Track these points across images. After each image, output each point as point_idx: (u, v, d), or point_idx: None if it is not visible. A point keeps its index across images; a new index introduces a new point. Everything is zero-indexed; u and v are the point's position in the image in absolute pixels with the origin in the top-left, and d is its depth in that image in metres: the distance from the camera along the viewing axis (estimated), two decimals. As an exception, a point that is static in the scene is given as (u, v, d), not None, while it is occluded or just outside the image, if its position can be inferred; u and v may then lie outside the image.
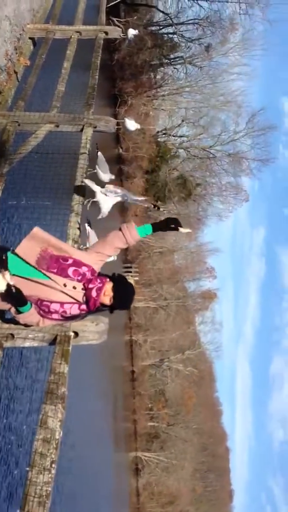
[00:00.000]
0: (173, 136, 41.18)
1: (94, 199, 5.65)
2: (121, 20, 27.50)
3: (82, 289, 3.24)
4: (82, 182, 5.76)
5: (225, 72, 37.53)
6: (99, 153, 6.24)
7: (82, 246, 5.19)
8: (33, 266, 3.24)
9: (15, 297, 3.08)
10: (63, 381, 3.57)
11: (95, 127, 7.03)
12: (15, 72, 7.91)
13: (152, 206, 6.13)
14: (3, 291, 3.04)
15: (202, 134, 40.09)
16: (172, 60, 35.81)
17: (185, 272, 50.97)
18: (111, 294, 3.22)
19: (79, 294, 3.24)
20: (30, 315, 3.26)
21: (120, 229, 3.34)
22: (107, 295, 3.22)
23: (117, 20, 26.42)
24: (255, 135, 39.23)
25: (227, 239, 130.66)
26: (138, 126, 8.37)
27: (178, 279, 49.84)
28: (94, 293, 3.20)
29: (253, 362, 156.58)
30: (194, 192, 41.16)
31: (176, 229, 3.45)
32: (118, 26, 18.37)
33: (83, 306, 3.28)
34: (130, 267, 41.86)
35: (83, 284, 3.24)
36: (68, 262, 3.24)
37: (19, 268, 3.24)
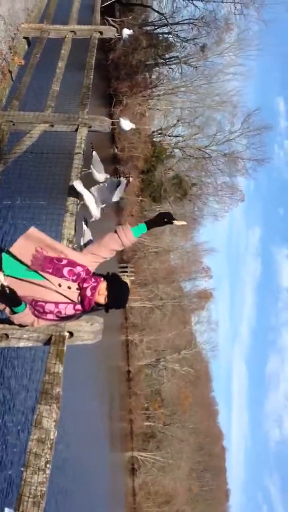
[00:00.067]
0: (169, 136, 41.22)
1: (83, 202, 5.66)
2: (116, 19, 27.47)
3: (77, 289, 3.24)
4: (70, 184, 5.77)
5: (221, 72, 37.64)
6: (94, 153, 6.22)
7: (76, 245, 5.18)
8: (28, 266, 3.23)
9: (9, 297, 3.08)
10: (57, 381, 3.56)
11: (90, 127, 7.02)
12: (10, 72, 7.90)
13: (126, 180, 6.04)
14: (-3, 292, 3.03)
15: (197, 134, 40.16)
16: (167, 60, 35.83)
17: (181, 272, 51.03)
18: (106, 293, 3.22)
19: (74, 294, 3.24)
20: (24, 315, 3.26)
21: (115, 232, 3.33)
22: (101, 294, 3.22)
23: (112, 20, 26.37)
24: (251, 135, 39.36)
25: (223, 239, 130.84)
26: (133, 126, 8.34)
27: (174, 279, 49.88)
28: (88, 292, 3.20)
29: (249, 362, 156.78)
30: (190, 192, 41.22)
31: (170, 222, 3.45)
32: (113, 26, 18.34)
33: (78, 306, 3.28)
34: (126, 267, 41.85)
35: (78, 284, 3.24)
36: (62, 263, 3.24)
37: (13, 269, 3.24)
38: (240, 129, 39.58)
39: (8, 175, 6.57)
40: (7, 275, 3.14)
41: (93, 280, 3.24)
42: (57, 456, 11.38)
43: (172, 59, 35.49)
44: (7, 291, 3.03)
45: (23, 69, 8.19)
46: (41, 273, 3.21)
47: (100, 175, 6.11)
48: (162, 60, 35.62)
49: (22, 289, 3.18)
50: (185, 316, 53.71)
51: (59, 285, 3.20)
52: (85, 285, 3.22)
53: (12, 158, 6.37)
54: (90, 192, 5.71)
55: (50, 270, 3.21)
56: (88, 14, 12.03)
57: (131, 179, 5.91)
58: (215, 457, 63.55)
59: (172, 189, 39.78)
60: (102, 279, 3.26)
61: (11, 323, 3.52)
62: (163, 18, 32.68)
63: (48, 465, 2.97)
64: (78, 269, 3.26)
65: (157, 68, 36.56)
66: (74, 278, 3.23)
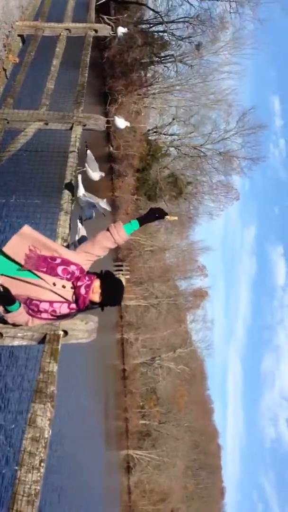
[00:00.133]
0: (164, 134, 41.24)
1: (77, 197, 5.66)
2: (111, 17, 27.45)
3: (71, 287, 3.23)
4: (71, 179, 5.75)
5: (216, 70, 37.69)
6: (88, 151, 6.22)
7: (71, 243, 5.18)
8: (22, 265, 3.22)
9: (2, 296, 3.07)
10: (52, 380, 3.55)
11: (85, 125, 7.00)
12: (4, 70, 7.87)
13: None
14: (-10, 290, 3.02)
15: (192, 133, 40.20)
16: (162, 58, 35.82)
17: (177, 270, 51.06)
18: (100, 291, 3.22)
19: (69, 293, 3.23)
20: (18, 314, 3.25)
21: (108, 229, 3.34)
22: (95, 293, 3.22)
23: (107, 18, 26.36)
24: (246, 133, 39.46)
25: (218, 237, 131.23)
26: (127, 124, 8.34)
27: (170, 277, 49.91)
28: (83, 291, 3.20)
29: (244, 360, 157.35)
30: (185, 191, 41.26)
31: (161, 218, 3.46)
32: (108, 24, 18.34)
33: (73, 305, 3.28)
34: (121, 266, 41.84)
35: (72, 283, 3.23)
36: (56, 262, 3.24)
37: (6, 268, 3.23)
38: (235, 127, 39.69)
39: (3, 174, 6.56)
40: (1, 274, 3.14)
41: (87, 278, 3.24)
42: (52, 454, 11.39)
43: (168, 57, 35.48)
44: (1, 289, 3.02)
45: (17, 67, 8.16)
46: (35, 272, 3.20)
47: (95, 174, 6.12)
48: (157, 58, 35.60)
49: (16, 288, 3.17)
50: (181, 315, 53.77)
51: (54, 284, 3.20)
52: (79, 283, 3.22)
53: (6, 157, 6.34)
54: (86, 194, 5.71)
55: (44, 269, 3.21)
56: (83, 12, 11.98)
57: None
58: (210, 455, 63.72)
59: (167, 187, 39.81)
60: (95, 277, 3.26)
61: (5, 322, 3.51)
62: (158, 16, 32.66)
63: (42, 464, 2.96)
64: (72, 267, 3.26)
65: (153, 67, 36.56)
66: (68, 276, 3.23)
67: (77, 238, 4.99)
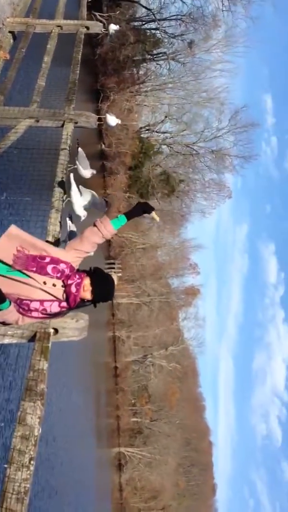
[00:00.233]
0: (156, 132, 41.21)
1: (70, 198, 5.66)
2: (103, 14, 27.38)
3: (62, 286, 3.23)
4: (62, 177, 5.74)
5: (208, 68, 37.68)
6: (80, 149, 6.21)
7: (63, 241, 5.17)
8: (11, 266, 3.21)
9: (-8, 294, 3.05)
10: (42, 378, 3.55)
11: (76, 123, 6.99)
12: (-5, 66, 7.83)
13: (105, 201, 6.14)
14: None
15: (185, 131, 40.18)
16: (155, 56, 35.79)
17: (169, 268, 51.09)
18: (91, 288, 3.22)
19: (59, 292, 3.23)
20: (9, 312, 3.23)
21: (95, 225, 3.34)
22: (86, 290, 3.22)
23: (99, 15, 26.29)
24: (238, 132, 39.49)
25: (210, 235, 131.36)
26: (119, 121, 8.36)
27: (162, 275, 49.94)
28: (73, 289, 3.19)
29: (236, 358, 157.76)
30: (177, 189, 41.26)
31: (148, 212, 3.48)
32: (100, 21, 18.27)
33: (64, 303, 3.27)
34: (113, 263, 41.82)
35: (62, 281, 3.23)
36: (46, 260, 3.23)
37: (-5, 267, 3.21)
38: (227, 126, 39.72)
39: (-7, 171, 6.53)
40: (-9, 273, 3.12)
41: (77, 276, 3.23)
42: (43, 452, 11.38)
43: (160, 55, 35.46)
44: (-10, 288, 3.01)
45: (8, 63, 8.12)
46: (25, 271, 3.19)
47: (86, 171, 6.11)
48: (149, 56, 35.56)
49: (6, 287, 3.15)
50: (173, 313, 53.85)
51: (44, 283, 3.19)
52: (69, 282, 3.21)
53: (-3, 154, 6.32)
54: (79, 190, 5.70)
55: (34, 269, 3.19)
56: (75, 9, 11.96)
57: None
58: (202, 452, 63.94)
59: (159, 185, 39.79)
60: (85, 275, 3.25)
61: (-5, 320, 3.50)
62: (151, 13, 32.63)
63: (32, 462, 2.96)
64: (62, 266, 3.25)
65: (145, 64, 36.51)
66: (58, 275, 3.22)
67: (67, 238, 4.98)
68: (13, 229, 3.34)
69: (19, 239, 3.29)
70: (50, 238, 5.09)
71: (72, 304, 3.24)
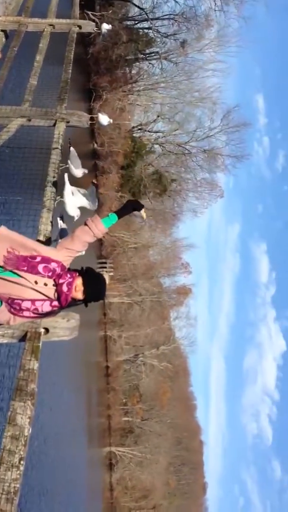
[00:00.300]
0: (149, 131, 41.21)
1: (62, 198, 5.65)
2: (96, 13, 27.35)
3: (53, 285, 3.23)
4: (54, 176, 5.73)
5: (201, 68, 37.74)
6: (71, 148, 6.21)
7: (55, 240, 5.17)
8: (2, 267, 3.20)
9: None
10: (32, 378, 3.54)
11: (68, 122, 6.98)
12: (-13, 65, 7.80)
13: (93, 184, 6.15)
14: None
15: (177, 130, 40.21)
16: (147, 55, 35.79)
17: (160, 267, 51.11)
18: (82, 288, 3.22)
19: (51, 291, 3.22)
20: (0, 312, 3.23)
21: (85, 224, 3.35)
22: (78, 291, 3.22)
23: (91, 14, 26.25)
24: (230, 131, 39.55)
25: (202, 235, 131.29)
26: (111, 121, 8.37)
27: (153, 274, 49.94)
28: (65, 288, 3.19)
29: (227, 357, 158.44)
30: (169, 188, 41.29)
31: (138, 210, 3.52)
32: (93, 20, 18.26)
33: (55, 303, 3.27)
34: (105, 263, 41.77)
35: (54, 280, 3.22)
36: (37, 260, 3.22)
37: (-14, 267, 3.21)
38: (219, 125, 39.77)
39: (-15, 170, 6.50)
40: (-18, 273, 3.12)
41: (68, 275, 3.23)
42: (34, 451, 11.35)
43: (153, 54, 35.47)
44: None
45: (0, 62, 8.09)
46: (16, 271, 3.18)
47: (78, 171, 6.11)
48: (142, 55, 35.56)
49: (-3, 286, 3.15)
50: (164, 312, 53.88)
51: (35, 282, 3.19)
52: (61, 281, 3.21)
53: (-12, 153, 6.30)
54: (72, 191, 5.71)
55: (25, 268, 3.19)
56: (67, 8, 11.93)
57: (94, 181, 6.02)
58: (192, 451, 64.08)
59: (151, 184, 39.80)
60: (77, 274, 3.25)
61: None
62: (144, 13, 32.64)
63: (22, 462, 2.96)
64: (53, 265, 3.25)
65: (137, 63, 36.51)
66: (49, 274, 3.22)
67: (59, 238, 4.99)
68: (2, 230, 3.33)
69: (9, 240, 3.28)
70: (41, 238, 5.08)
71: (64, 303, 3.25)
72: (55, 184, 5.72)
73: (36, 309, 3.23)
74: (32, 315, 3.27)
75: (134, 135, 39.36)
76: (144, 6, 32.86)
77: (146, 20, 33.03)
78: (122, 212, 3.49)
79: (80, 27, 9.49)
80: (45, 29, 9.06)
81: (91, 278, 3.29)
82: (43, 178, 5.83)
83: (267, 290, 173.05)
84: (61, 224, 5.84)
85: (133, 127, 40.18)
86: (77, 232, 3.36)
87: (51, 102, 7.78)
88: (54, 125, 6.90)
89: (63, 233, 5.55)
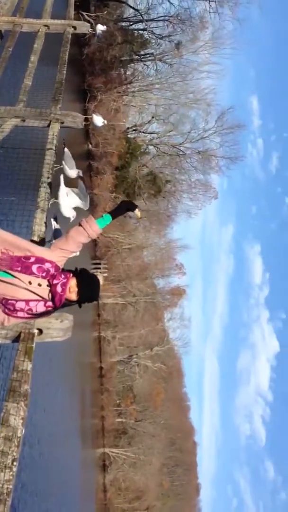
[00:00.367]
0: (143, 132, 41.22)
1: (57, 199, 5.65)
2: (91, 14, 27.35)
3: (47, 285, 3.23)
4: (48, 177, 5.73)
5: (195, 70, 37.76)
6: (66, 149, 6.20)
7: (49, 241, 5.16)
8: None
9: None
10: (26, 379, 3.54)
11: (62, 123, 6.98)
12: (-19, 65, 7.78)
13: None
14: None
15: (172, 131, 40.26)
16: (142, 57, 35.83)
17: (154, 268, 51.12)
18: (76, 289, 3.22)
19: (45, 291, 3.22)
20: (-6, 313, 3.23)
21: (80, 224, 3.35)
22: (72, 291, 3.22)
23: (87, 15, 26.26)
24: (224, 133, 39.65)
25: (196, 236, 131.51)
26: (105, 122, 8.36)
27: (147, 275, 49.94)
28: (59, 289, 3.19)
29: (220, 358, 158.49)
30: (164, 189, 41.32)
31: (132, 210, 3.55)
32: (88, 21, 18.26)
33: (49, 303, 3.27)
34: (99, 264, 41.75)
35: (48, 281, 3.22)
36: (30, 260, 3.22)
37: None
38: (214, 127, 39.86)
39: (-21, 170, 6.49)
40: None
41: (62, 276, 3.24)
42: (28, 452, 11.32)
43: (147, 55, 35.51)
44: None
45: (-6, 62, 8.07)
46: (10, 271, 3.18)
47: (72, 171, 6.11)
48: (137, 56, 35.60)
49: (-9, 287, 3.15)
50: (158, 313, 53.90)
51: (29, 283, 3.18)
52: (55, 281, 3.21)
53: (-18, 153, 6.29)
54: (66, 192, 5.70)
55: (19, 268, 3.19)
56: (62, 8, 11.92)
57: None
58: (186, 452, 64.12)
59: (146, 185, 39.82)
60: (71, 275, 3.26)
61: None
62: (138, 14, 32.69)
63: (15, 463, 2.96)
64: (47, 265, 3.25)
65: (132, 65, 36.55)
66: (43, 274, 3.22)
67: (53, 239, 4.98)
68: (-6, 231, 3.34)
69: (2, 240, 3.28)
70: (35, 238, 5.07)
71: (58, 303, 3.25)
72: (49, 184, 5.72)
73: (30, 309, 3.23)
74: (26, 315, 3.27)
75: (129, 136, 39.38)
76: (139, 7, 32.93)
77: (141, 21, 33.09)
78: (116, 212, 3.50)
79: (75, 28, 9.49)
80: (40, 30, 9.06)
81: (85, 279, 3.29)
82: (37, 179, 5.82)
83: (260, 291, 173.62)
84: (54, 224, 5.83)
85: (128, 128, 40.18)
86: (72, 232, 3.36)
87: (46, 102, 7.78)
88: (49, 125, 6.90)
89: (57, 234, 5.54)
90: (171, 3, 32.23)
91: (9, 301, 3.19)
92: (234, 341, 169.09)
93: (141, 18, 32.49)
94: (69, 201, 5.67)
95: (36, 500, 12.88)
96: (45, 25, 9.20)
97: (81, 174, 6.34)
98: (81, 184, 5.90)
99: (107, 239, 40.24)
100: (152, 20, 33.08)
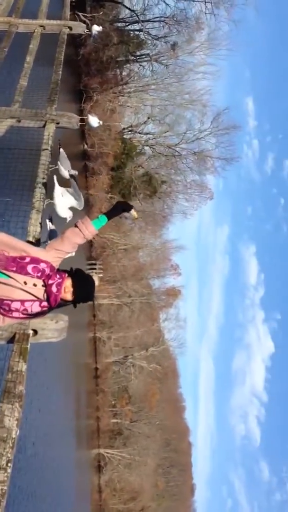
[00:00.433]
0: (139, 133, 41.21)
1: (52, 200, 5.65)
2: (87, 15, 27.35)
3: (43, 285, 3.23)
4: (44, 178, 5.73)
5: (191, 71, 37.77)
6: (61, 150, 6.20)
7: (44, 241, 5.16)
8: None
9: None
10: (20, 380, 3.55)
11: (58, 123, 6.99)
12: (-24, 65, 7.77)
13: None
14: None
15: (167, 132, 40.27)
16: (138, 57, 35.82)
17: (150, 269, 51.07)
18: (71, 289, 3.23)
19: (40, 291, 3.23)
20: (-11, 314, 3.23)
21: (76, 225, 3.36)
22: (67, 292, 3.23)
23: (82, 15, 26.24)
24: (220, 134, 39.68)
25: (191, 236, 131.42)
26: (100, 122, 8.37)
27: (143, 276, 49.90)
28: (54, 289, 3.20)
29: (216, 358, 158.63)
30: (159, 190, 41.32)
31: (128, 211, 3.56)
32: (84, 22, 18.26)
33: (44, 303, 3.27)
34: (95, 264, 41.67)
35: (43, 281, 3.23)
36: (26, 260, 3.23)
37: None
38: (209, 128, 39.87)
39: (-26, 171, 6.47)
40: None
41: (58, 276, 3.24)
42: (22, 453, 11.29)
43: (143, 56, 35.49)
44: None
45: (-10, 62, 8.07)
46: (5, 271, 3.18)
47: (67, 172, 6.10)
48: (133, 57, 35.59)
49: (-14, 288, 3.15)
50: (153, 313, 53.86)
51: (25, 283, 3.19)
52: (50, 281, 3.22)
53: (-23, 153, 6.28)
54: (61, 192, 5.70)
55: (14, 268, 3.19)
56: (58, 9, 11.91)
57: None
58: (181, 453, 64.13)
59: (141, 186, 39.79)
60: (66, 275, 3.26)
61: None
62: (134, 15, 32.70)
63: (9, 464, 2.96)
64: (42, 265, 3.26)
65: (128, 65, 36.53)
66: (38, 275, 3.23)
67: (46, 235, 4.98)
68: (-11, 232, 3.34)
69: (-3, 241, 3.28)
70: (30, 239, 5.07)
71: (53, 304, 3.26)
72: (44, 185, 5.72)
73: (25, 309, 3.23)
74: (21, 316, 3.27)
75: (125, 136, 39.36)
76: (135, 8, 32.94)
77: (137, 22, 33.09)
78: (111, 213, 3.51)
79: (70, 28, 9.50)
80: (36, 30, 9.06)
81: (80, 279, 3.30)
82: (32, 179, 5.82)
83: (256, 292, 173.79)
84: (50, 225, 5.83)
85: (124, 129, 40.17)
86: (67, 233, 3.37)
87: (41, 103, 7.78)
88: (44, 126, 6.90)
89: (52, 234, 5.54)
90: (167, 4, 32.29)
91: (5, 301, 3.20)
92: (229, 341, 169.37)
93: (137, 18, 32.50)
94: (64, 201, 5.67)
95: (31, 501, 12.85)
96: (41, 26, 9.20)
97: (74, 174, 6.34)
98: (74, 184, 5.90)
99: (103, 240, 40.20)
100: (148, 21, 33.09)
